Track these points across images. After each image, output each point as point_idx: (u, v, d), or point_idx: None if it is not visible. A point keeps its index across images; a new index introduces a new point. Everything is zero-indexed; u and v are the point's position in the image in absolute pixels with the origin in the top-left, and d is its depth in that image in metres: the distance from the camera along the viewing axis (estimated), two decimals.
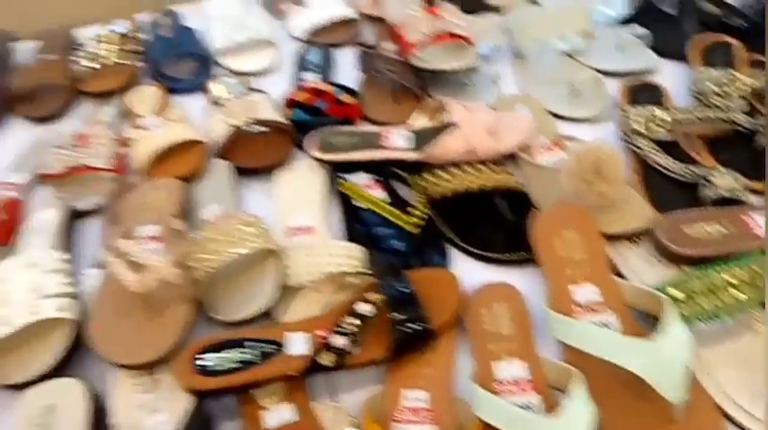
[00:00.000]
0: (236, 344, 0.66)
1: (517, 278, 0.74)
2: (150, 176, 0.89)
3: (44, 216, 0.84)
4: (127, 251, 0.71)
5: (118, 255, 0.71)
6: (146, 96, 1.04)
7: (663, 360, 0.56)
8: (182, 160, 0.91)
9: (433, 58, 0.98)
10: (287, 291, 0.73)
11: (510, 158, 0.88)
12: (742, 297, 0.62)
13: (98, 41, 1.11)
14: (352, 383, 0.67)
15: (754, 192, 0.80)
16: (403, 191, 0.86)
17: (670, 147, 0.85)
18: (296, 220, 0.83)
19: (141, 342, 0.66)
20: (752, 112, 0.89)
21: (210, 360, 0.65)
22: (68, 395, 0.65)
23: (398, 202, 0.83)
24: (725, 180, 0.77)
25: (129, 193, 0.85)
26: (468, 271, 0.76)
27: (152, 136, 0.92)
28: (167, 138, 0.91)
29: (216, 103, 0.99)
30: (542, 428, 0.54)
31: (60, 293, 0.71)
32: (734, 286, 0.62)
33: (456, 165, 0.83)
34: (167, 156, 0.90)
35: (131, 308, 0.69)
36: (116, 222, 0.80)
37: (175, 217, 0.79)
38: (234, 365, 0.64)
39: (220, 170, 0.90)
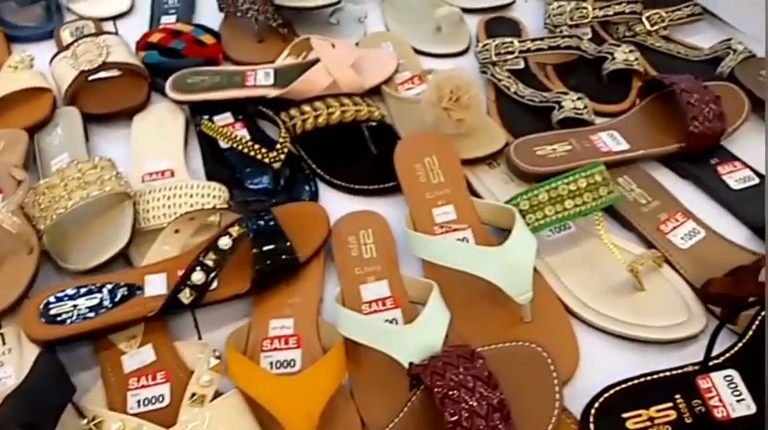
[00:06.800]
0: (88, 291, 0.63)
1: (383, 206, 0.75)
2: None
3: None
4: None
5: None
6: None
7: (509, 263, 0.59)
8: (28, 110, 0.85)
9: None
10: (147, 236, 0.70)
11: (375, 93, 0.88)
12: (582, 203, 0.65)
13: None
14: (222, 320, 0.66)
15: (599, 113, 0.85)
16: (273, 131, 0.84)
17: (523, 76, 0.89)
18: (154, 165, 0.80)
19: None
20: (597, 40, 0.94)
21: (60, 308, 0.61)
22: None
23: (262, 140, 0.81)
24: (572, 103, 0.81)
25: None
26: (337, 203, 0.76)
27: None
28: (9, 87, 0.85)
29: (65, 49, 0.92)
30: (399, 336, 0.55)
31: None
32: (575, 194, 0.65)
33: (320, 99, 0.82)
34: (11, 105, 0.85)
35: None
36: None
37: (18, 167, 0.74)
38: (85, 312, 0.61)
39: (70, 118, 0.84)
